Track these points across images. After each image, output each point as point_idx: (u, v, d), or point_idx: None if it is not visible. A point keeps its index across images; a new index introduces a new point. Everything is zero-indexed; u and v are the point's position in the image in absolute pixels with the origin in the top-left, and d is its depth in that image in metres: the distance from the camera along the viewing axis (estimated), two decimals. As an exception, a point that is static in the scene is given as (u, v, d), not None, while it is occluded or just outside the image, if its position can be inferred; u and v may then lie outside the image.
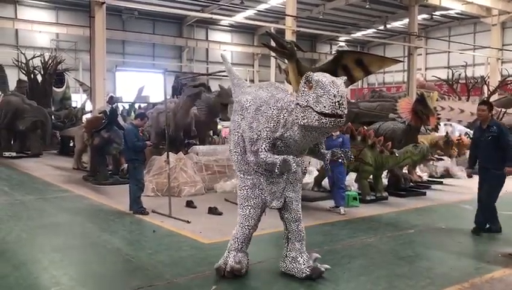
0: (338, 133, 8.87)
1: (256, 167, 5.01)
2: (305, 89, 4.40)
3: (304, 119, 4.38)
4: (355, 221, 8.11)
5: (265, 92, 5.08)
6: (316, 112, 4.24)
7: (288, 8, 19.49)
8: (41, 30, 29.28)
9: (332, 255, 5.96)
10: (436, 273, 5.41)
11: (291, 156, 4.62)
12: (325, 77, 4.36)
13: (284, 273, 5.23)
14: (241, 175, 5.20)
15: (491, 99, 21.50)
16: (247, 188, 5.14)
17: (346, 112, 4.27)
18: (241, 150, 5.13)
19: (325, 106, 4.19)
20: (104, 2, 14.60)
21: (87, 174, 12.47)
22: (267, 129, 4.75)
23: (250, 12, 31.35)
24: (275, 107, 4.79)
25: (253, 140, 4.85)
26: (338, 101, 4.18)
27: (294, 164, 4.56)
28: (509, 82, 25.23)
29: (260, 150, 4.77)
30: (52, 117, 19.67)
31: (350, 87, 33.87)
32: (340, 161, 5.05)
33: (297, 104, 4.46)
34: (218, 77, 26.34)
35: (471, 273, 5.38)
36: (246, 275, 5.20)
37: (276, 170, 4.66)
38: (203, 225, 7.61)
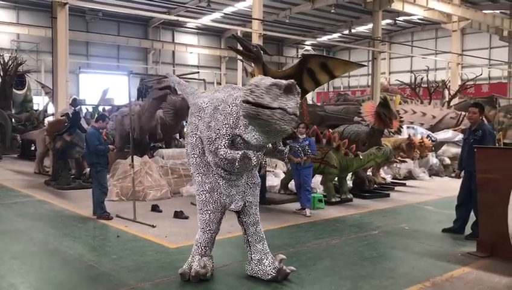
0: (304, 136, 8.96)
1: (215, 167, 5.00)
2: None
3: None
4: (321, 223, 8.20)
5: (222, 93, 5.11)
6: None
7: (255, 11, 19.57)
8: (0, 30, 28.40)
9: (298, 257, 6.00)
10: (398, 273, 5.52)
11: (251, 151, 4.64)
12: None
13: (249, 276, 5.23)
14: (199, 178, 5.17)
15: (452, 103, 22.23)
16: (205, 192, 5.12)
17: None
18: (199, 152, 5.13)
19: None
20: (66, 3, 14.31)
21: (49, 179, 12.15)
22: (226, 126, 4.75)
23: (217, 15, 31.32)
24: (233, 104, 4.80)
25: (212, 139, 4.84)
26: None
27: (254, 158, 4.58)
28: (468, 86, 26.06)
29: (219, 147, 4.76)
30: (13, 120, 19.12)
31: (316, 90, 34.32)
32: (301, 158, 5.06)
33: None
34: (184, 79, 26.23)
35: (432, 273, 5.52)
36: (211, 279, 5.18)
37: (237, 164, 4.66)
38: (168, 229, 7.53)
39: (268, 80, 4.42)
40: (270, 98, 4.34)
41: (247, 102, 4.31)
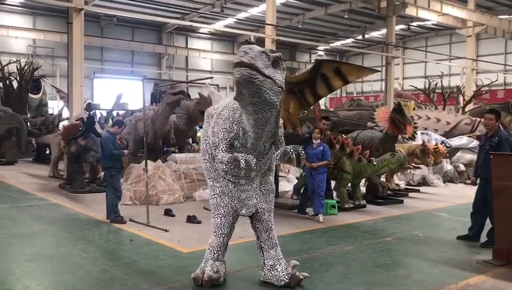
0: (319, 141, 8.92)
1: (223, 172, 5.01)
2: None
3: None
4: (334, 229, 8.15)
5: (229, 98, 5.18)
6: None
7: (268, 17, 19.62)
8: (17, 36, 28.90)
9: (311, 263, 5.97)
10: (413, 281, 5.46)
11: (241, 154, 4.65)
12: None
13: (262, 282, 5.21)
14: (211, 183, 5.23)
15: (466, 109, 22.01)
16: (216, 196, 5.15)
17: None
18: (209, 157, 5.18)
19: None
20: (82, 9, 14.49)
21: (64, 182, 12.26)
22: (224, 130, 4.80)
23: (230, 20, 31.47)
24: (231, 109, 4.85)
25: (216, 144, 4.90)
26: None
27: (242, 161, 4.57)
28: (483, 92, 25.79)
29: (217, 151, 4.81)
30: (28, 124, 19.34)
31: (329, 96, 34.24)
32: (295, 158, 4.95)
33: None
34: (197, 84, 26.37)
35: (447, 281, 5.45)
36: (224, 284, 5.17)
37: (224, 167, 4.71)
38: (181, 233, 7.54)
39: (258, 47, 4.40)
40: (262, 65, 4.33)
41: (241, 64, 4.23)
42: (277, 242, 5.28)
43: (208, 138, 5.19)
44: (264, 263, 5.23)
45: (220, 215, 5.13)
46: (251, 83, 4.30)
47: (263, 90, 4.37)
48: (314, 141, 8.88)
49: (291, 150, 4.90)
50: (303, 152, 5.02)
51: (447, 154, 13.72)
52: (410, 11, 23.56)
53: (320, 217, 8.67)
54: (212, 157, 5.12)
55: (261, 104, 4.47)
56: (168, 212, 8.97)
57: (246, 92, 4.37)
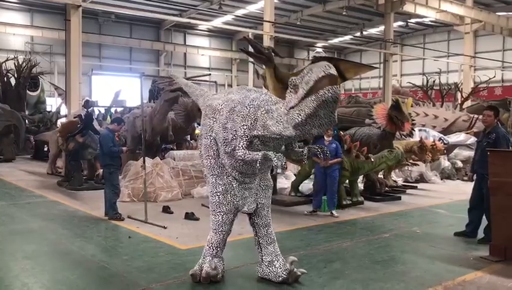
0: (330, 138, 8.92)
1: (230, 169, 5.00)
2: None
3: None
4: (331, 225, 8.17)
5: (237, 95, 5.05)
6: None
7: (266, 14, 19.59)
8: (15, 33, 28.83)
9: (309, 260, 5.99)
10: (410, 277, 5.49)
11: (271, 152, 4.60)
12: None
13: (260, 278, 5.24)
14: (213, 180, 5.15)
15: (464, 106, 22.03)
16: (219, 194, 5.12)
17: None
18: (214, 153, 5.10)
19: None
20: (80, 5, 14.45)
21: (62, 180, 12.25)
22: (244, 127, 4.72)
23: (228, 17, 31.43)
24: (251, 106, 4.76)
25: (228, 140, 4.82)
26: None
27: (275, 158, 4.53)
28: (481, 89, 25.81)
29: (237, 148, 4.74)
30: (26, 121, 19.31)
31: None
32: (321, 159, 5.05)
33: None
34: (196, 81, 26.36)
35: (444, 277, 5.48)
36: (222, 281, 5.19)
37: (258, 165, 4.63)
38: (179, 230, 7.56)
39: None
40: None
41: (332, 80, 4.10)
42: (275, 238, 5.31)
43: (213, 134, 5.06)
44: (262, 259, 5.25)
45: (222, 213, 5.13)
46: (337, 101, 4.22)
47: (335, 107, 4.26)
48: (326, 138, 8.86)
49: (318, 149, 4.94)
50: (328, 152, 5.06)
51: (445, 151, 13.74)
52: (408, 7, 23.55)
53: (335, 212, 8.82)
54: (217, 153, 5.06)
55: (326, 124, 4.40)
56: (166, 209, 8.98)
57: (323, 113, 4.26)
